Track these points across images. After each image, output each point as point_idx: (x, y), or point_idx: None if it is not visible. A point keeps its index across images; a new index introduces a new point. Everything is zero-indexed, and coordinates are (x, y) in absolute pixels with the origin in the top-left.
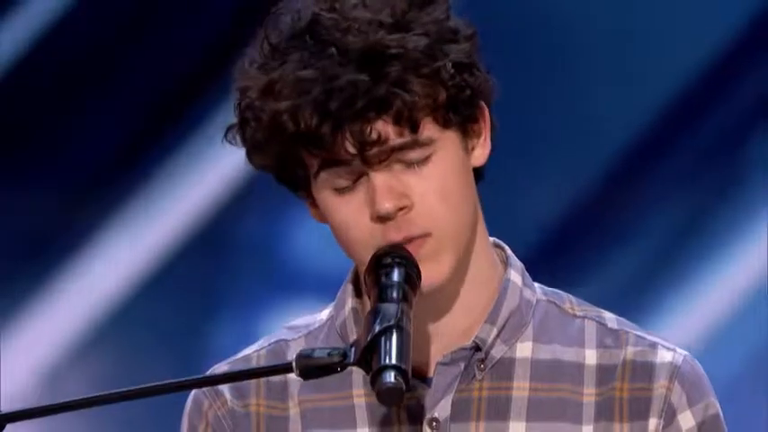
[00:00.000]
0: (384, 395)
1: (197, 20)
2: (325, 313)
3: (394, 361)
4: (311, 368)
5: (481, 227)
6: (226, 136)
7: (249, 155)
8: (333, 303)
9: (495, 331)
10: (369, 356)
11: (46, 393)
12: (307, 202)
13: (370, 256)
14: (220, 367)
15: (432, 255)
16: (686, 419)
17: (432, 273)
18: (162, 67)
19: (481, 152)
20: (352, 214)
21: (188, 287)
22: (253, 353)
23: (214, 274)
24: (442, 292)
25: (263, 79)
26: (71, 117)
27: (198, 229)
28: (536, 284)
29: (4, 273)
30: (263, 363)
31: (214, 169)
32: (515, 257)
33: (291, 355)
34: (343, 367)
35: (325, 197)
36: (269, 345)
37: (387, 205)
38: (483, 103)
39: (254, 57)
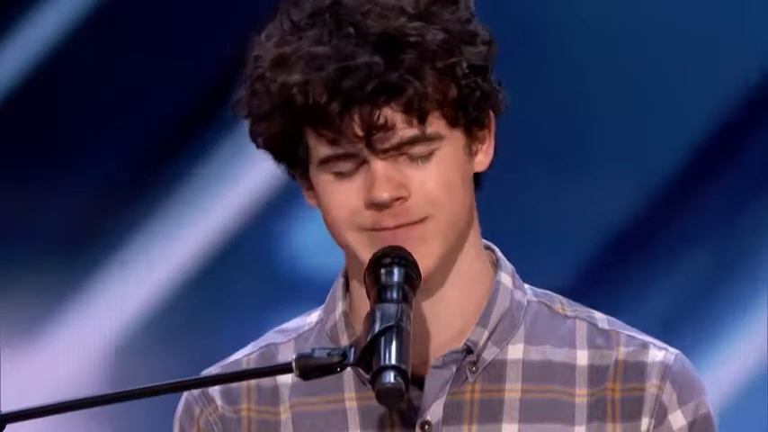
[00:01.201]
0: (384, 395)
1: (224, 26)
2: (314, 316)
3: (394, 361)
4: (311, 368)
5: (475, 231)
6: (234, 108)
7: (252, 129)
8: (322, 306)
9: (486, 334)
10: (368, 357)
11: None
12: (302, 185)
13: (351, 237)
14: (211, 372)
15: (423, 238)
16: (677, 419)
17: (420, 257)
18: (187, 77)
19: (483, 159)
20: (346, 196)
21: (214, 292)
22: (243, 357)
23: (238, 281)
24: (434, 292)
25: (276, 51)
26: (95, 125)
27: (224, 238)
28: (526, 286)
29: (37, 274)
30: (253, 367)
31: (244, 172)
32: (506, 260)
33: (281, 359)
34: (343, 367)
35: (324, 180)
36: (258, 349)
37: (384, 195)
38: (491, 112)
39: (272, 31)
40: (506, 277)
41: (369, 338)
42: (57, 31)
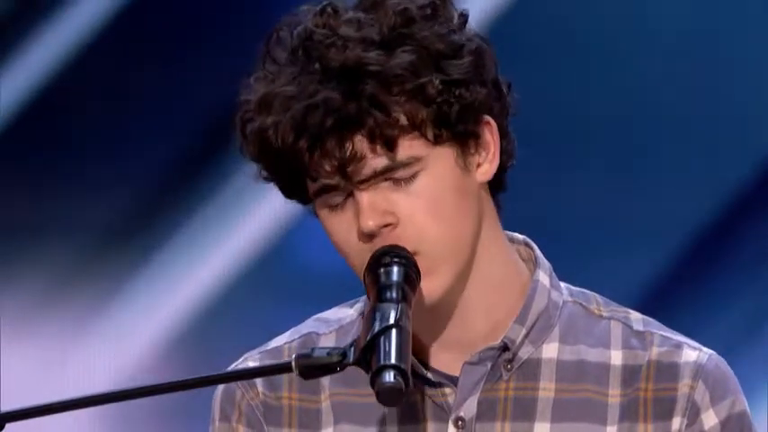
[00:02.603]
0: (383, 395)
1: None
2: (356, 308)
3: (393, 360)
4: (310, 368)
5: (494, 234)
6: (241, 151)
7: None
8: (362, 298)
9: (524, 331)
10: (368, 356)
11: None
12: (312, 209)
13: (357, 269)
14: (252, 356)
15: (427, 270)
16: (709, 418)
17: (429, 287)
18: (223, 81)
19: (488, 168)
20: (343, 232)
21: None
22: (284, 344)
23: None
24: (459, 297)
25: (258, 94)
26: (136, 126)
27: (268, 238)
28: (563, 285)
29: (77, 275)
30: (294, 355)
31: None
32: (544, 258)
33: None
34: (343, 367)
35: (322, 213)
36: (299, 337)
37: (369, 223)
38: (488, 118)
39: (258, 73)
40: (544, 276)
41: (368, 338)
42: (101, 18)
